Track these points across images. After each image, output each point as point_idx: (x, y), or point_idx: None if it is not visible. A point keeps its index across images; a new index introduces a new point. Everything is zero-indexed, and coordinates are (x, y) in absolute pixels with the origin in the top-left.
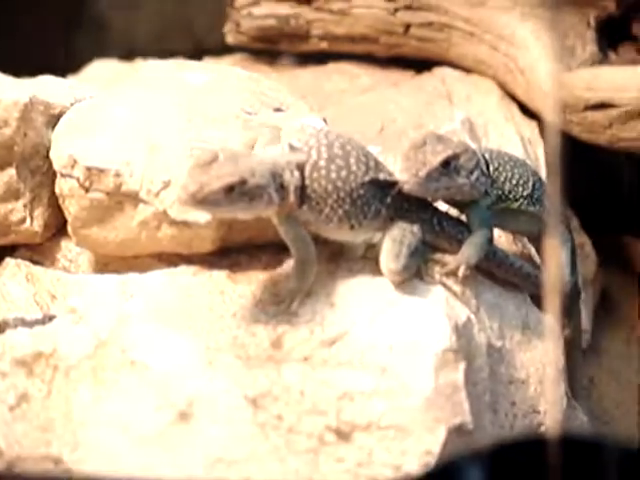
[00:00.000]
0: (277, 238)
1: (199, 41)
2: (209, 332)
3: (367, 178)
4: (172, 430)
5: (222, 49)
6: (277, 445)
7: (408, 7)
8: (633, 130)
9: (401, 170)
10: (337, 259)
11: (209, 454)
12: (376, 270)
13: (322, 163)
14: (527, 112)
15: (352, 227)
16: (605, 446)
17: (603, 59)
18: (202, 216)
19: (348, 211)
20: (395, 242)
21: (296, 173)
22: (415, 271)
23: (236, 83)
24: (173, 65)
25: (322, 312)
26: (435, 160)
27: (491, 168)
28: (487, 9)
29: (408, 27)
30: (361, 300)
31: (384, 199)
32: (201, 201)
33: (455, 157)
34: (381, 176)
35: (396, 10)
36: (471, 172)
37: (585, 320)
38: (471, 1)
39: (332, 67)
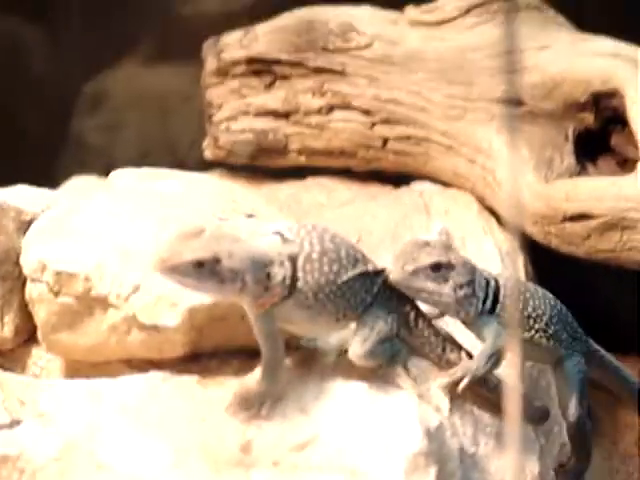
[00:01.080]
0: (248, 344)
1: (180, 159)
2: (178, 436)
3: (357, 271)
4: None
5: (203, 166)
6: None
7: (385, 121)
8: (611, 241)
9: (393, 260)
10: (309, 364)
11: None
12: (348, 375)
13: (315, 256)
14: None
15: (338, 320)
16: None
17: (581, 171)
18: (171, 320)
19: (337, 304)
20: (365, 327)
21: (287, 264)
22: (385, 361)
23: (209, 190)
24: (146, 173)
25: (292, 416)
26: (426, 260)
27: (501, 294)
28: (464, 122)
29: (386, 141)
30: (332, 404)
31: (371, 289)
32: (169, 269)
33: (448, 266)
34: (370, 267)
35: (374, 124)
36: (460, 287)
37: (565, 434)
38: (448, 114)
39: (311, 181)
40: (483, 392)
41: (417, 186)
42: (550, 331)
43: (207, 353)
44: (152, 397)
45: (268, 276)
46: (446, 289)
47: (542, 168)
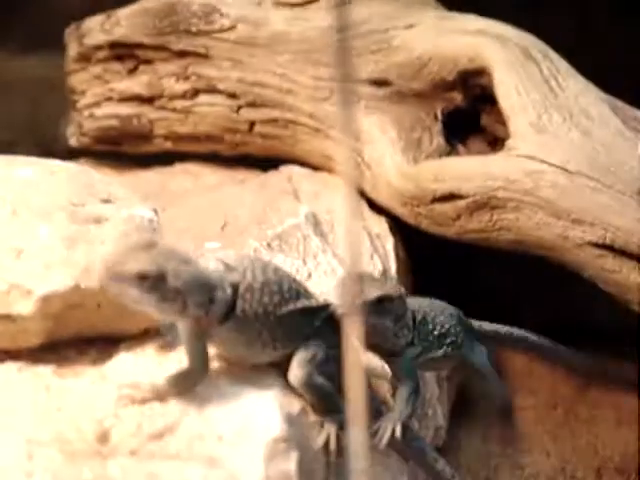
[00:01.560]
0: (106, 332)
1: (47, 148)
2: (31, 427)
3: (298, 305)
4: None
5: (71, 155)
6: None
7: (252, 104)
8: (481, 221)
9: (337, 295)
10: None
11: None
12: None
13: (256, 285)
14: (376, 207)
15: (274, 349)
16: None
17: (451, 152)
18: (26, 309)
19: (274, 334)
20: (305, 353)
21: (229, 291)
22: (322, 396)
23: (64, 176)
24: (2, 160)
25: (150, 405)
26: (371, 294)
27: (417, 319)
28: (331, 104)
29: (253, 124)
30: (191, 392)
31: (313, 323)
32: (112, 278)
33: (389, 299)
34: (312, 302)
35: (240, 107)
36: (398, 319)
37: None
38: (315, 96)
39: (178, 167)
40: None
41: (285, 170)
42: (459, 340)
43: (64, 342)
44: (6, 388)
45: (211, 300)
46: (386, 323)
47: (411, 149)
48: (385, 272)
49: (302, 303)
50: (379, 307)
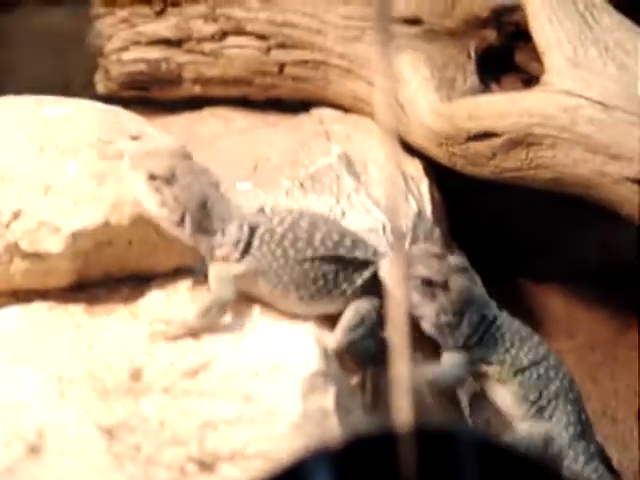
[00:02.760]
0: (137, 271)
1: (75, 96)
2: (62, 365)
3: (330, 253)
4: (22, 465)
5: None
6: (134, 476)
7: (281, 45)
8: (517, 159)
9: (389, 258)
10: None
11: None
12: (239, 297)
13: (279, 230)
14: (409, 149)
15: (301, 299)
16: (460, 437)
17: (485, 90)
18: (54, 246)
19: (297, 282)
20: (357, 314)
21: (245, 229)
22: (362, 360)
23: (93, 114)
24: (30, 100)
25: (184, 342)
26: (421, 271)
27: (505, 336)
28: (362, 43)
29: (283, 66)
30: (224, 329)
31: (353, 279)
32: (130, 168)
33: (442, 286)
34: (356, 253)
35: (269, 49)
36: (445, 313)
37: None
38: (345, 36)
39: (207, 112)
40: None
41: (317, 112)
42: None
43: (95, 281)
44: (36, 327)
45: (223, 232)
46: (428, 309)
47: (444, 88)
48: (420, 213)
49: (335, 252)
50: (425, 288)
